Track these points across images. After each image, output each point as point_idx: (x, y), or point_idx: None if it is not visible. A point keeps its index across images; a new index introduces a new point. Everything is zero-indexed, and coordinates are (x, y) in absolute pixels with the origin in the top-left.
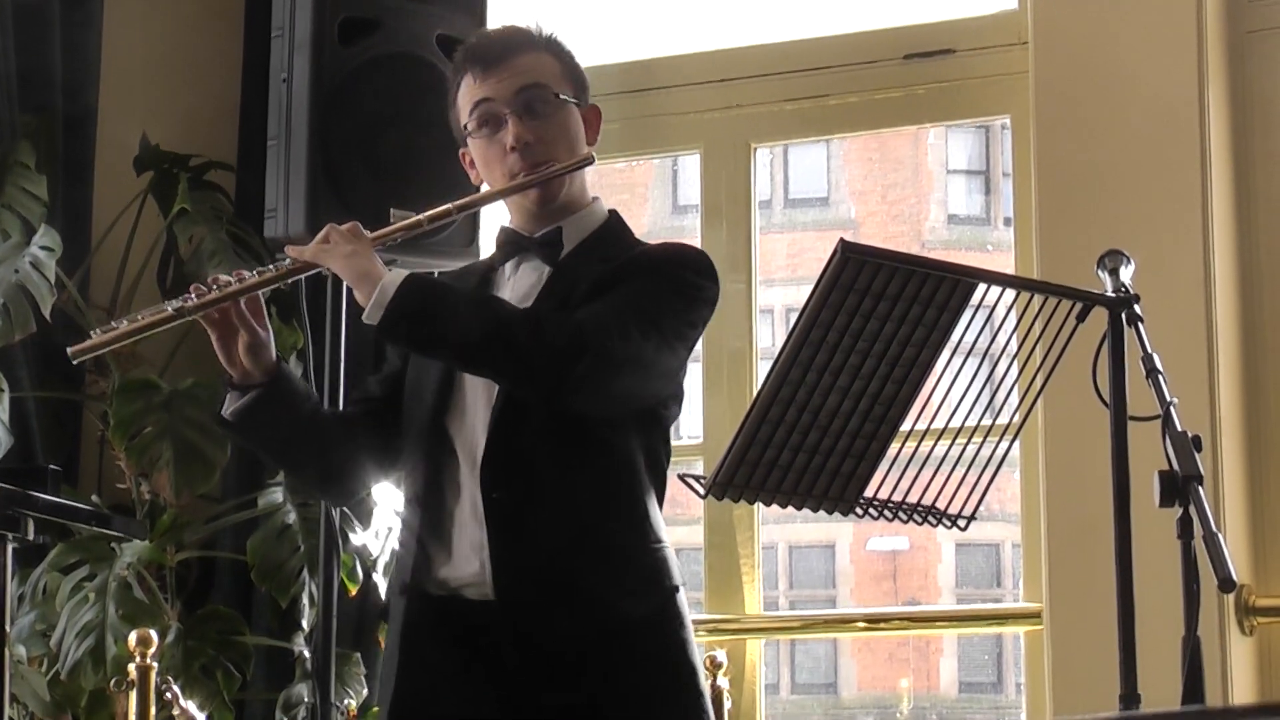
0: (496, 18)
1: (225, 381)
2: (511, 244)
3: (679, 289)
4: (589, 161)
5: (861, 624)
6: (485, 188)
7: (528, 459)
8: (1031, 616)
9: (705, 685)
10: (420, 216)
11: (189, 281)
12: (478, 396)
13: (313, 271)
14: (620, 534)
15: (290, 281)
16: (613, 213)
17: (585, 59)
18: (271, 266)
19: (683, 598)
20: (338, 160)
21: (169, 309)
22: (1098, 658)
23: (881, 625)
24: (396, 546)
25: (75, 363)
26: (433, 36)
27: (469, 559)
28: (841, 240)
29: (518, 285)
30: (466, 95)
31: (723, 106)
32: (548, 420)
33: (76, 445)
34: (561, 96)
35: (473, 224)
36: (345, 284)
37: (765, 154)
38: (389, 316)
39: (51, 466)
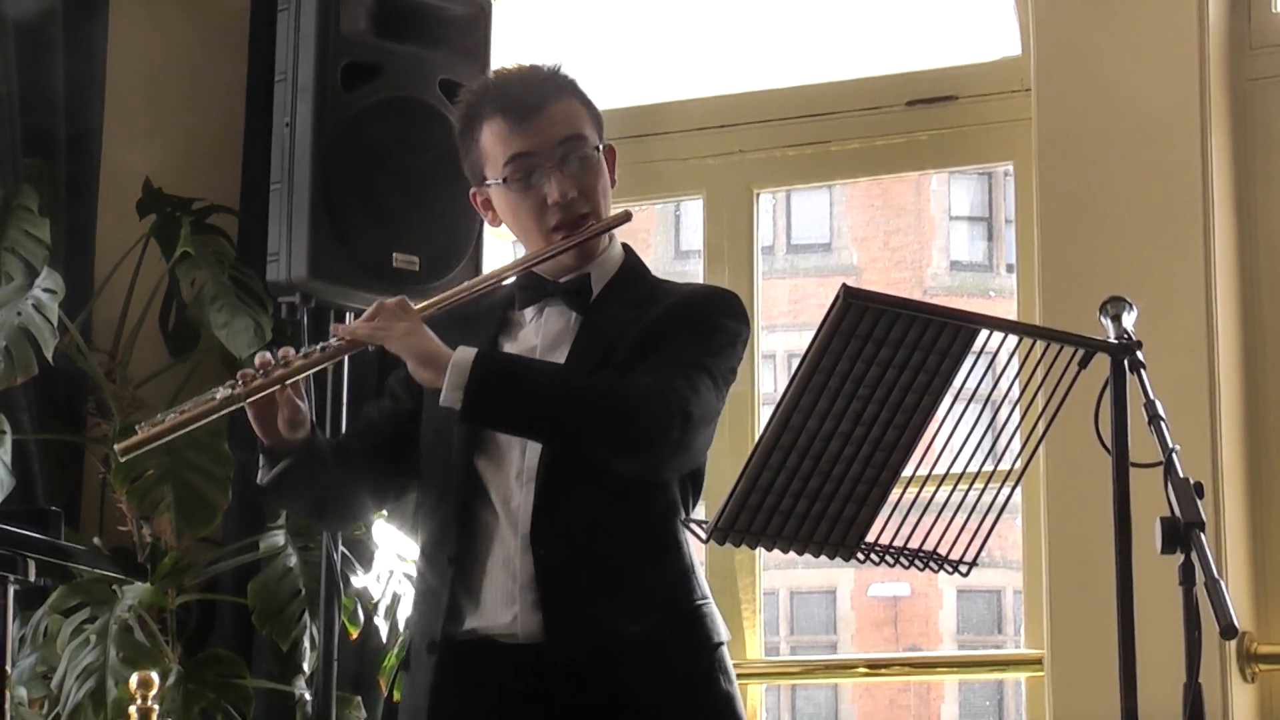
0: (499, 63)
1: (260, 448)
2: (534, 289)
3: (723, 337)
4: (628, 218)
5: (863, 669)
6: (505, 230)
7: (576, 517)
8: (1033, 663)
9: None
10: (466, 285)
11: (190, 326)
12: (511, 442)
13: (359, 348)
14: (665, 593)
15: (336, 362)
16: (626, 248)
17: None
18: (319, 347)
19: (726, 653)
20: (340, 205)
21: (216, 398)
22: (1099, 704)
23: (883, 671)
24: (417, 591)
25: (124, 459)
26: (435, 82)
27: (500, 610)
28: (844, 286)
29: (545, 332)
30: (498, 143)
31: (725, 152)
32: (597, 477)
33: (78, 488)
34: (597, 148)
35: (475, 267)
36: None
37: (768, 199)
38: (472, 400)
39: (53, 509)
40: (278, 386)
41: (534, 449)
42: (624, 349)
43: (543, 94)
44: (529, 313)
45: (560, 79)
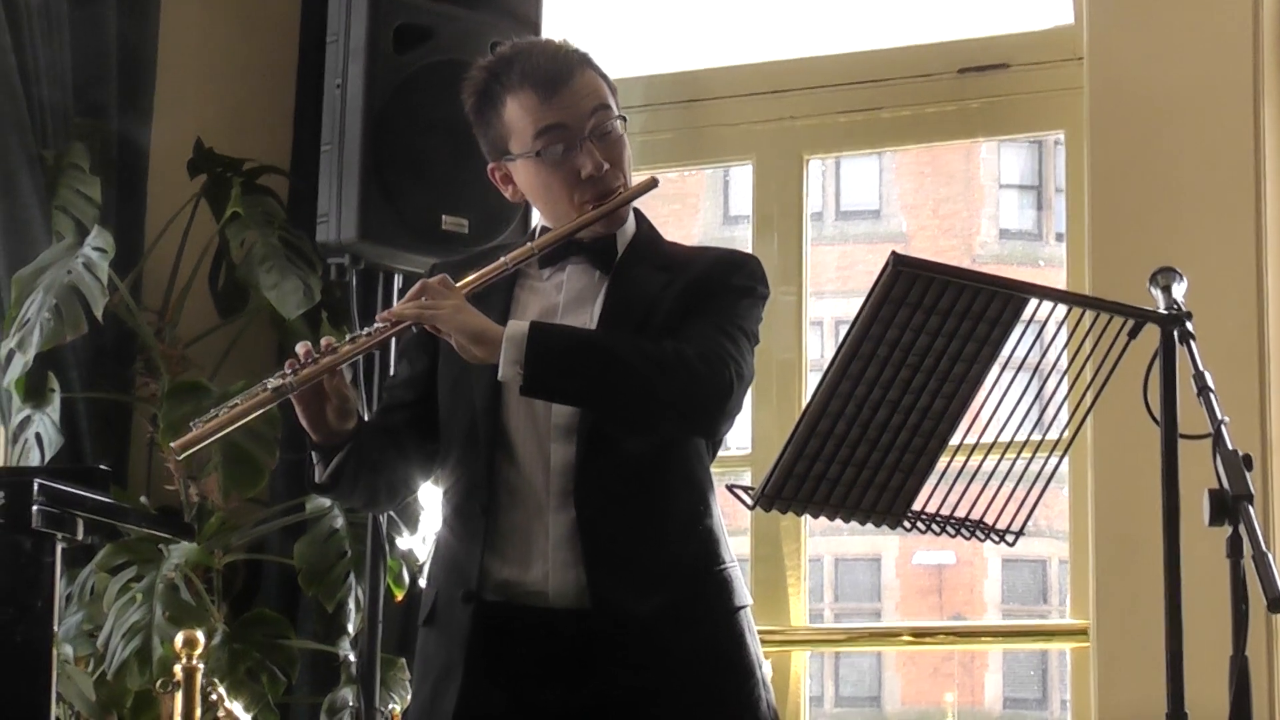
0: (551, 26)
1: (310, 446)
2: (557, 248)
3: (751, 300)
4: (655, 184)
5: (907, 637)
6: (531, 206)
7: (616, 476)
8: (1078, 633)
9: (765, 695)
10: (505, 260)
11: (240, 286)
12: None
13: (406, 328)
14: (694, 556)
15: (381, 341)
16: (637, 212)
17: (638, 69)
18: (365, 332)
19: (749, 615)
20: (390, 166)
21: (268, 388)
22: (1144, 676)
23: (927, 639)
24: (442, 543)
25: (180, 458)
26: (487, 45)
27: (529, 567)
28: (893, 253)
29: (569, 289)
30: (526, 116)
31: (775, 118)
32: (637, 442)
33: (126, 447)
34: (621, 118)
35: (524, 229)
36: (396, 288)
37: (817, 166)
38: (534, 375)
39: (102, 467)
40: (326, 373)
41: (565, 406)
42: (661, 313)
43: (568, 65)
44: (548, 271)
45: (579, 52)
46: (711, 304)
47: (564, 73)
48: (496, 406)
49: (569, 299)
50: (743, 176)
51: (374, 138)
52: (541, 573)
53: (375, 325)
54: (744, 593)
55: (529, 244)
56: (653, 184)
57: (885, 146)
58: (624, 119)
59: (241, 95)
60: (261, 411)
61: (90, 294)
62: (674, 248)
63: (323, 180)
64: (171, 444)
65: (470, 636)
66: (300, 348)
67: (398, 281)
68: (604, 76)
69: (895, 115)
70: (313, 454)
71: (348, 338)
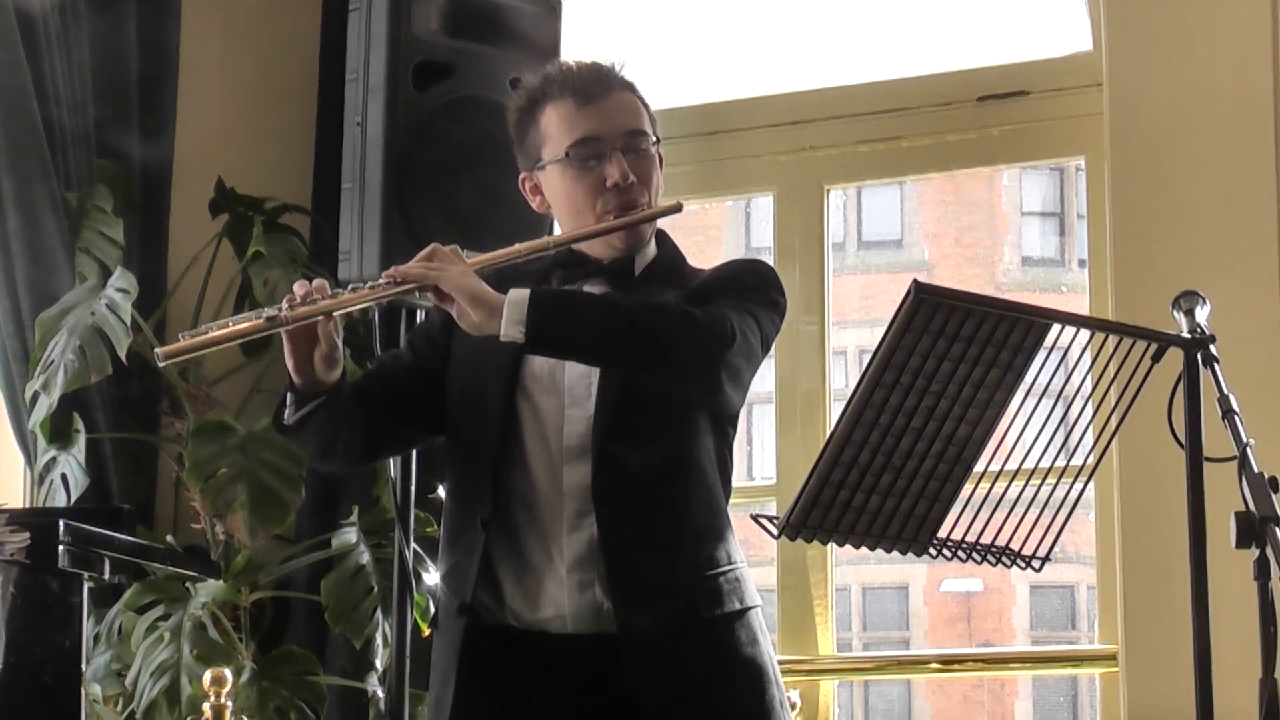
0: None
1: (287, 386)
2: (577, 266)
3: (764, 298)
4: (679, 209)
5: (935, 665)
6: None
7: (633, 493)
8: (1107, 658)
9: (778, 694)
10: (519, 246)
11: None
12: (553, 413)
13: (409, 289)
14: (707, 560)
15: (385, 302)
16: (661, 237)
17: (659, 102)
18: (368, 285)
19: (759, 616)
20: (412, 204)
21: (263, 318)
22: (1173, 700)
23: (956, 667)
24: (446, 546)
25: (163, 365)
26: (507, 80)
27: (544, 595)
28: (914, 281)
29: None
30: (562, 123)
31: (796, 149)
32: (651, 446)
33: (152, 487)
34: (657, 141)
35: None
36: (419, 316)
37: (839, 196)
38: (536, 326)
39: (127, 507)
40: (322, 316)
41: (579, 424)
42: None
43: (609, 82)
44: (568, 289)
45: (623, 76)
46: (716, 293)
47: (603, 85)
48: (509, 428)
49: None
50: (764, 207)
51: (395, 175)
52: (557, 599)
53: (380, 280)
54: (753, 593)
55: (546, 238)
56: (677, 208)
57: (906, 175)
58: (659, 152)
59: (262, 135)
60: (251, 338)
61: (114, 335)
62: (696, 270)
63: (344, 218)
64: (158, 350)
65: (462, 648)
66: (298, 286)
67: (420, 318)
68: (645, 104)
69: (915, 144)
70: (288, 394)
71: (349, 287)
